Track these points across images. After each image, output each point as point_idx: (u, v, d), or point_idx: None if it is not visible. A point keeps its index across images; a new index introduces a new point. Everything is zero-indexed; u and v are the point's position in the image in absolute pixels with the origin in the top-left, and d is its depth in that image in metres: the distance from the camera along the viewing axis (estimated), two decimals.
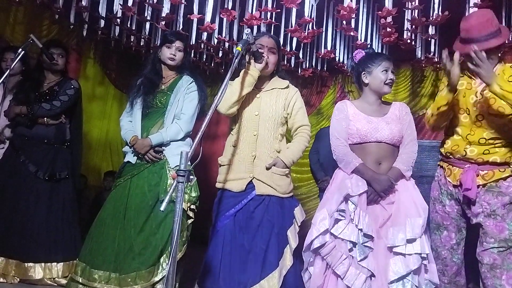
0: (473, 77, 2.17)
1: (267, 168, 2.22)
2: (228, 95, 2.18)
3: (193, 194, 2.33)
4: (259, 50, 2.21)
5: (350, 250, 2.00)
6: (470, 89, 2.17)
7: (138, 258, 2.25)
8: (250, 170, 2.22)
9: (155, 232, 2.28)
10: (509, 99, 1.95)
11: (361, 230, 1.99)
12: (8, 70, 2.55)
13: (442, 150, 2.30)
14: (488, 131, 2.12)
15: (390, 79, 2.14)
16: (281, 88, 2.33)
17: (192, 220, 2.36)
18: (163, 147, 2.40)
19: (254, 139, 2.25)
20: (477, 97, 2.14)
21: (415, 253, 1.95)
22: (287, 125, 2.35)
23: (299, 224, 2.23)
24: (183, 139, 2.43)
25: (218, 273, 2.13)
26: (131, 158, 2.43)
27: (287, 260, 2.15)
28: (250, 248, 2.14)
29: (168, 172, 2.35)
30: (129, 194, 2.36)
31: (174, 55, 2.47)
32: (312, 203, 5.14)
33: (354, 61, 2.26)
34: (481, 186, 2.11)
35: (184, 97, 2.44)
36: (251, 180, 2.22)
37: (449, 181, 2.22)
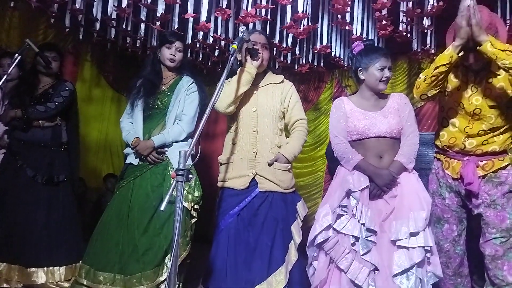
0: (469, 70, 2.12)
1: (269, 164, 2.21)
2: (226, 94, 2.18)
3: (196, 194, 2.34)
4: (254, 47, 2.21)
5: (353, 244, 2.01)
6: (466, 82, 2.13)
7: (143, 259, 2.25)
8: (252, 167, 2.22)
9: (159, 233, 2.29)
10: (500, 58, 1.86)
11: (363, 224, 2.00)
12: (5, 76, 2.55)
13: (438, 143, 2.26)
14: (487, 122, 2.09)
15: (386, 77, 2.12)
16: (276, 83, 2.34)
17: (196, 219, 2.37)
18: (165, 148, 2.40)
19: (254, 135, 2.24)
20: (472, 91, 2.11)
21: (419, 246, 1.95)
22: (284, 119, 2.35)
23: (302, 219, 2.23)
24: (185, 139, 2.43)
25: (224, 273, 2.12)
26: (133, 159, 2.43)
27: (292, 255, 2.16)
28: (256, 245, 2.14)
29: (171, 173, 2.35)
30: (132, 195, 2.37)
31: (174, 55, 2.47)
32: (312, 198, 5.16)
33: (353, 53, 2.23)
34: (481, 177, 2.10)
35: (185, 98, 2.44)
36: (253, 177, 2.22)
37: (447, 174, 2.20)
